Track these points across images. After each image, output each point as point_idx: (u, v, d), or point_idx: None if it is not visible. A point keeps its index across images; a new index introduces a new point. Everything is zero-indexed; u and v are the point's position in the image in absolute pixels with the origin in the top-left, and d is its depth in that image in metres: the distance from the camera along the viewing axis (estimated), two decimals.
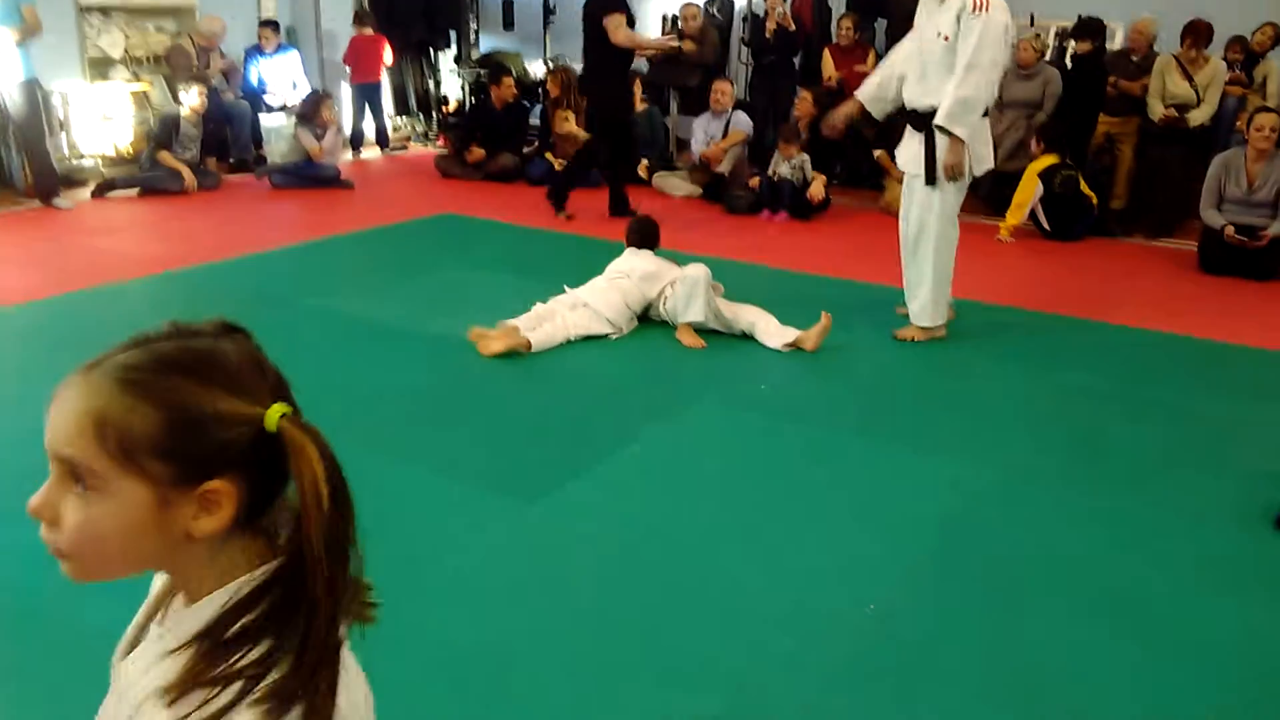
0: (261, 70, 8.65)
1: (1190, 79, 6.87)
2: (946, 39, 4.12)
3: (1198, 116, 6.84)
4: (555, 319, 4.35)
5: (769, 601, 2.51)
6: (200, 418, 0.80)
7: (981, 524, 2.94)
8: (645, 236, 4.75)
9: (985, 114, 4.27)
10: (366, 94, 9.25)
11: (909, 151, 4.42)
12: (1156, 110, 6.90)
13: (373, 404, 3.67)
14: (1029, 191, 6.48)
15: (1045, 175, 6.45)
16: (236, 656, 0.79)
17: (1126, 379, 4.17)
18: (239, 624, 0.80)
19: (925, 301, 4.47)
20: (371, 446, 3.28)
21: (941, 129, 4.16)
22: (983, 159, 4.32)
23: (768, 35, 8.55)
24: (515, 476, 3.16)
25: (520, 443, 3.41)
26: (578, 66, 9.38)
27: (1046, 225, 6.56)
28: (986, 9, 4.03)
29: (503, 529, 2.85)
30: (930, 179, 4.30)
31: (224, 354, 0.84)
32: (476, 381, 3.94)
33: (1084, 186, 6.58)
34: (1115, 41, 7.57)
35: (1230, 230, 5.68)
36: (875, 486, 3.15)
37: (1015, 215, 6.55)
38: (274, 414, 0.82)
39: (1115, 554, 2.79)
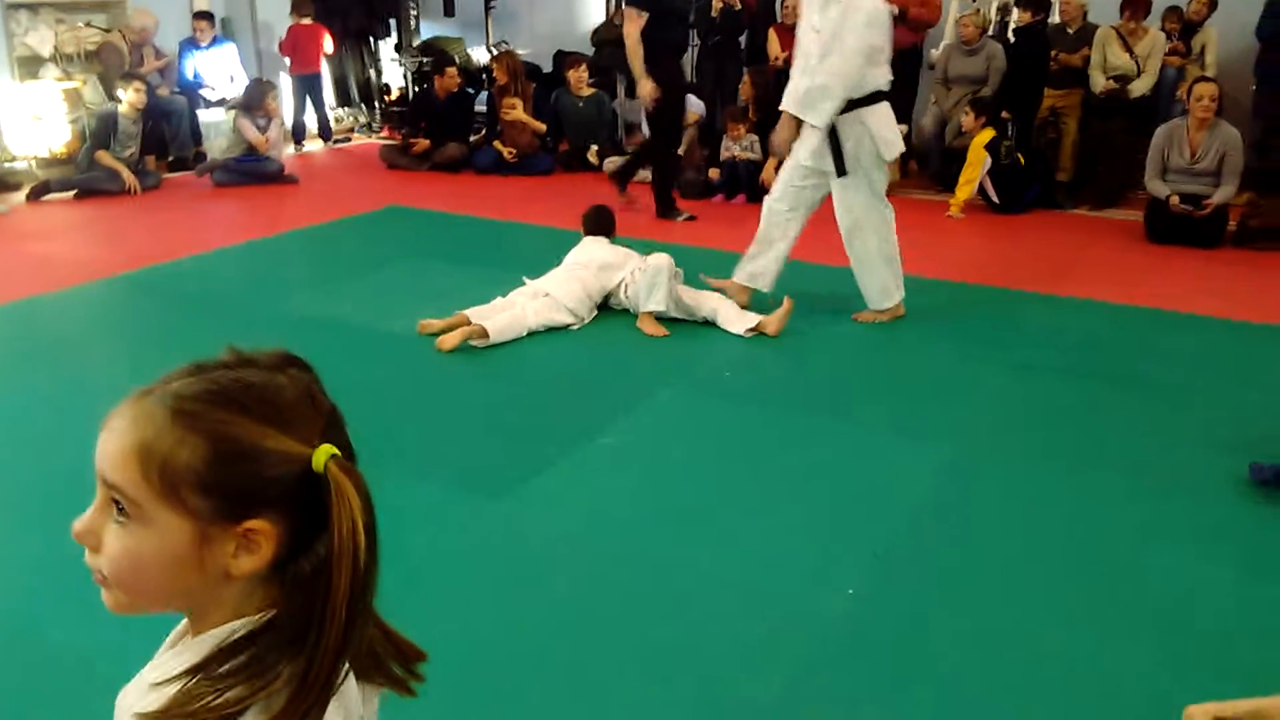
0: (197, 64, 8.45)
1: (1130, 50, 6.95)
2: (817, 32, 4.13)
3: (1139, 87, 6.93)
4: (514, 309, 4.30)
5: (742, 590, 2.51)
6: (247, 453, 0.78)
7: (953, 504, 2.96)
8: (601, 224, 4.71)
9: (881, 98, 4.20)
10: (306, 85, 9.07)
11: (808, 147, 4.33)
12: (1098, 82, 6.99)
13: (340, 403, 3.59)
14: (977, 166, 6.54)
15: (990, 148, 6.51)
16: (218, 695, 0.76)
17: (1081, 351, 4.23)
18: (229, 664, 0.78)
19: (878, 286, 4.47)
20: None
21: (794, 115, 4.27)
22: (890, 142, 4.25)
23: (713, 15, 8.51)
24: (479, 473, 3.12)
25: (483, 438, 3.37)
26: (522, 52, 9.32)
27: (995, 198, 6.63)
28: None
29: (467, 527, 2.82)
30: (840, 170, 4.27)
31: (278, 388, 0.83)
32: (435, 377, 3.89)
33: (1019, 158, 6.69)
34: (1055, 15, 7.63)
35: (1175, 200, 5.77)
36: (843, 470, 3.16)
37: (965, 190, 6.60)
38: (321, 455, 0.81)
39: (1089, 530, 2.82)
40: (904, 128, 7.30)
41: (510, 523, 2.85)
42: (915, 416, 3.55)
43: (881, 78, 4.20)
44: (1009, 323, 4.58)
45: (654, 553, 2.69)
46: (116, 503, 0.79)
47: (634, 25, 5.97)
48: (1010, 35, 7.63)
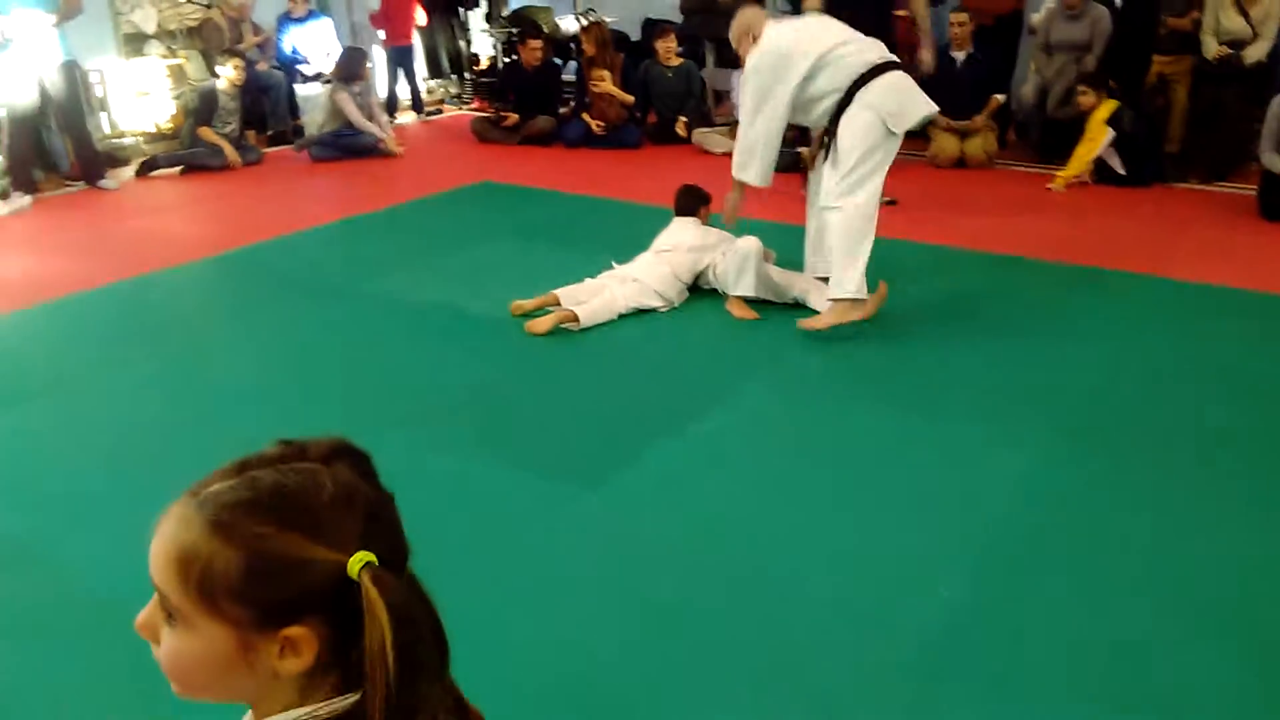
0: (294, 39, 8.61)
1: (1245, 13, 6.61)
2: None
3: (1254, 53, 6.59)
4: (604, 293, 4.33)
5: (834, 595, 2.51)
6: (281, 565, 0.79)
7: (1053, 507, 2.90)
8: (691, 205, 4.70)
9: (880, 73, 4.02)
10: (399, 57, 9.18)
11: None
12: (1210, 48, 6.67)
13: (424, 392, 3.69)
14: (1097, 142, 6.26)
15: (1113, 120, 6.26)
16: None
17: (1186, 340, 4.09)
18: None
19: (848, 274, 4.13)
20: (427, 436, 3.31)
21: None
22: (897, 113, 4.01)
23: None
24: (573, 463, 3.17)
25: (575, 425, 3.42)
26: (610, 20, 9.28)
27: (1122, 170, 6.38)
28: (751, 48, 4.18)
29: (565, 517, 2.87)
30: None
31: (318, 490, 0.82)
32: (526, 363, 3.94)
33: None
34: None
35: None
36: (935, 470, 3.12)
37: (1076, 166, 6.37)
38: (355, 564, 0.80)
39: (1193, 542, 2.74)
40: (1002, 97, 7.13)
41: (604, 516, 2.88)
42: (1012, 410, 3.48)
43: (857, 65, 4.04)
44: (1110, 307, 4.44)
45: (743, 551, 2.70)
46: (165, 609, 0.82)
47: None
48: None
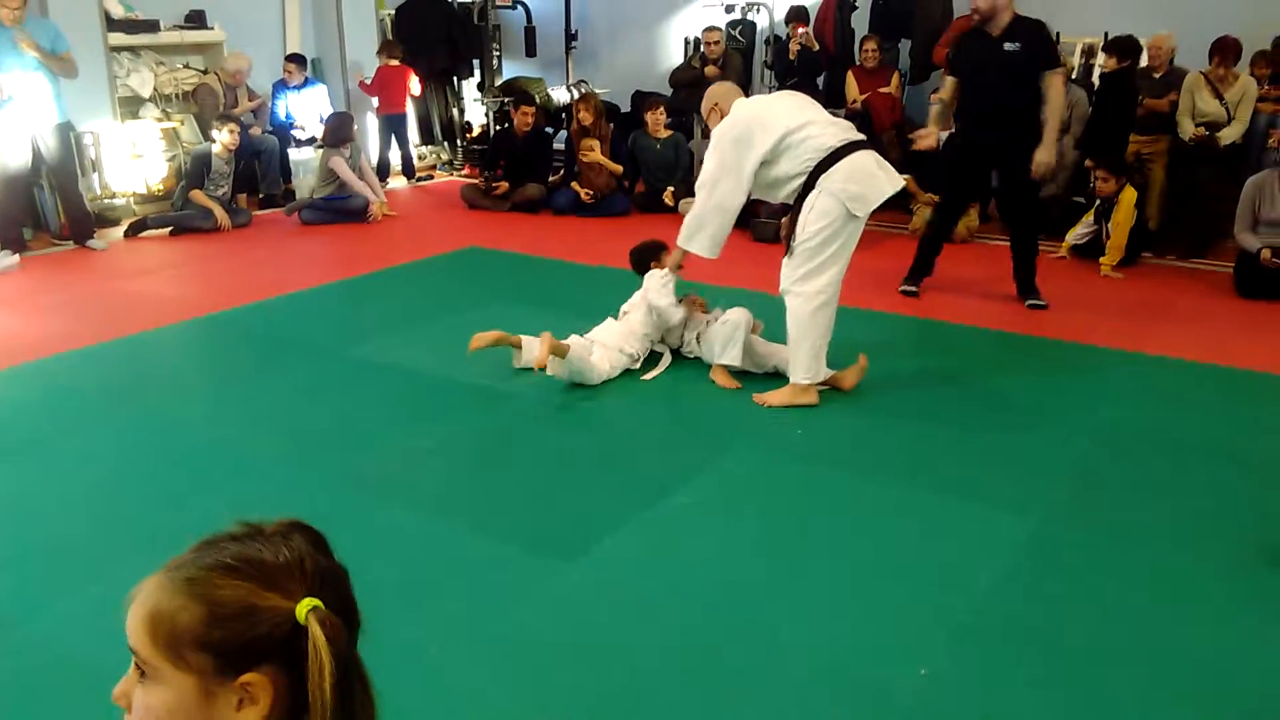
0: (289, 104, 8.73)
1: (1220, 97, 6.81)
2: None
3: (1229, 135, 6.77)
4: (590, 345, 4.39)
5: (816, 667, 2.49)
6: (237, 612, 0.88)
7: (1032, 580, 2.90)
8: (643, 261, 4.77)
9: (842, 155, 3.94)
10: (392, 124, 9.31)
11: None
12: (1187, 129, 6.84)
13: (407, 457, 3.68)
14: (1127, 227, 6.26)
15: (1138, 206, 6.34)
16: None
17: (1167, 414, 4.13)
18: None
19: (801, 360, 4.15)
20: (408, 502, 3.30)
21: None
22: (860, 196, 3.94)
23: (791, 58, 8.56)
24: (552, 533, 3.16)
25: (555, 494, 3.41)
26: (601, 91, 9.46)
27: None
28: (710, 139, 4.17)
29: (542, 591, 2.85)
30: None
31: (273, 554, 0.93)
32: (510, 430, 3.95)
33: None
34: (1142, 59, 7.50)
35: (1267, 254, 5.62)
36: (919, 540, 3.12)
37: (1115, 255, 6.30)
38: (303, 608, 0.89)
39: (1172, 615, 2.75)
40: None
41: (582, 588, 2.87)
42: (992, 482, 3.50)
43: (821, 145, 3.98)
44: (1090, 381, 4.49)
45: (726, 624, 2.68)
46: (139, 666, 0.91)
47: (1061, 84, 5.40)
48: (1095, 79, 7.53)
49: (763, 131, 4.02)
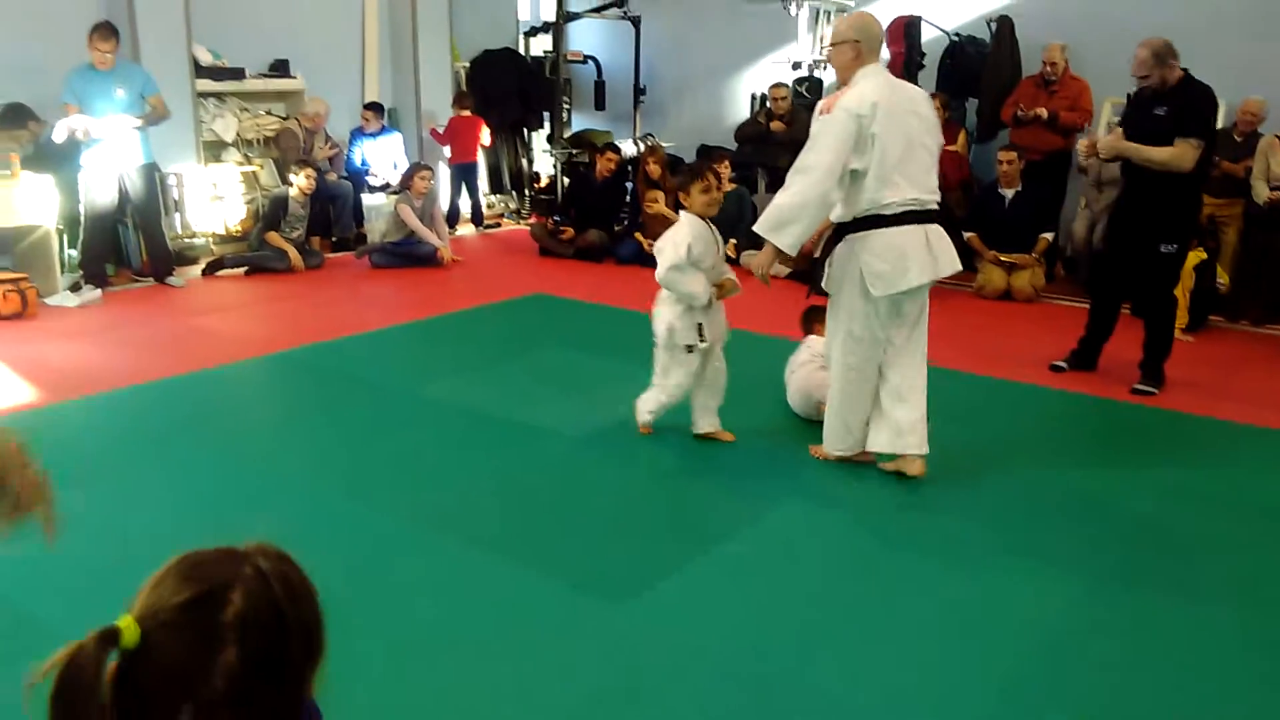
0: (365, 151, 8.98)
1: None
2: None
3: None
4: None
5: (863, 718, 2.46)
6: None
7: (1084, 641, 2.84)
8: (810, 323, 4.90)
9: (883, 223, 3.66)
10: (463, 173, 9.52)
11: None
12: (1261, 193, 6.72)
13: (465, 493, 3.72)
14: (1189, 288, 6.14)
15: (1199, 268, 6.25)
16: None
17: (1235, 479, 4.02)
18: None
19: (828, 425, 4.06)
20: (462, 537, 3.33)
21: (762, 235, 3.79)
22: (883, 276, 3.70)
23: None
24: (601, 574, 3.16)
25: (608, 536, 3.42)
26: (667, 145, 9.58)
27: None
28: (830, 110, 3.67)
29: (586, 632, 2.84)
30: (816, 287, 4.06)
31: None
32: (568, 471, 3.97)
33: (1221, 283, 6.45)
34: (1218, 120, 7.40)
35: None
36: (972, 596, 3.06)
37: (1184, 317, 6.05)
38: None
39: (1227, 685, 2.66)
40: (1050, 235, 7.20)
41: (630, 632, 2.86)
42: (1048, 542, 3.43)
43: (881, 200, 3.67)
44: (1159, 444, 4.40)
45: (772, 675, 2.66)
46: None
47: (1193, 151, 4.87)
48: None
49: (868, 156, 3.63)
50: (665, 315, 4.16)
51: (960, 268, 3.93)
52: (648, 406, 4.26)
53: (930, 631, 2.87)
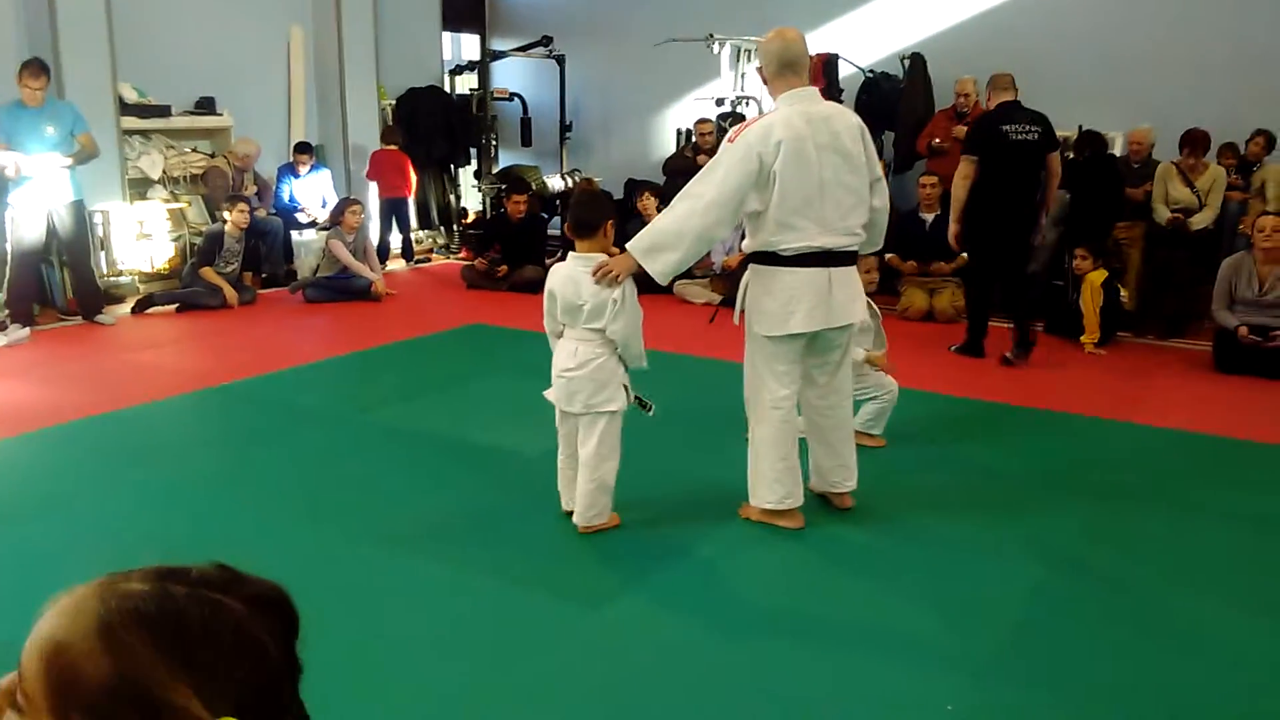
0: (293, 188, 8.97)
1: (1191, 185, 7.15)
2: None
3: (1200, 220, 7.10)
4: None
5: (841, 707, 2.59)
6: (147, 700, 0.72)
7: (1046, 625, 3.03)
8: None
9: (773, 261, 3.47)
10: (393, 208, 9.53)
11: None
12: (1162, 214, 7.17)
13: (428, 514, 3.78)
14: (1096, 305, 6.51)
15: (1105, 285, 6.59)
16: None
17: (1160, 477, 4.30)
18: None
19: (750, 472, 3.71)
20: (432, 555, 3.39)
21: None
22: (769, 315, 3.50)
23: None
24: (577, 581, 3.26)
25: (577, 548, 3.51)
26: (596, 179, 9.76)
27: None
28: (736, 137, 3.44)
29: (568, 637, 2.93)
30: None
31: (218, 632, 0.77)
32: (528, 487, 4.04)
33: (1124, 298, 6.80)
34: (1115, 148, 7.88)
35: (1244, 331, 5.87)
36: (935, 587, 3.24)
37: (1094, 332, 6.53)
38: None
39: (1183, 660, 2.87)
40: (966, 255, 7.53)
41: (607, 635, 2.96)
42: (1003, 537, 3.63)
43: (777, 242, 3.44)
44: (1087, 447, 4.66)
45: (753, 663, 2.78)
46: (18, 692, 0.75)
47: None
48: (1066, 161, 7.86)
49: (776, 179, 3.37)
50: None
51: (862, 318, 3.75)
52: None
53: (896, 623, 3.03)
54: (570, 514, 3.62)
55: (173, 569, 0.80)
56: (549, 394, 3.61)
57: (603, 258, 3.43)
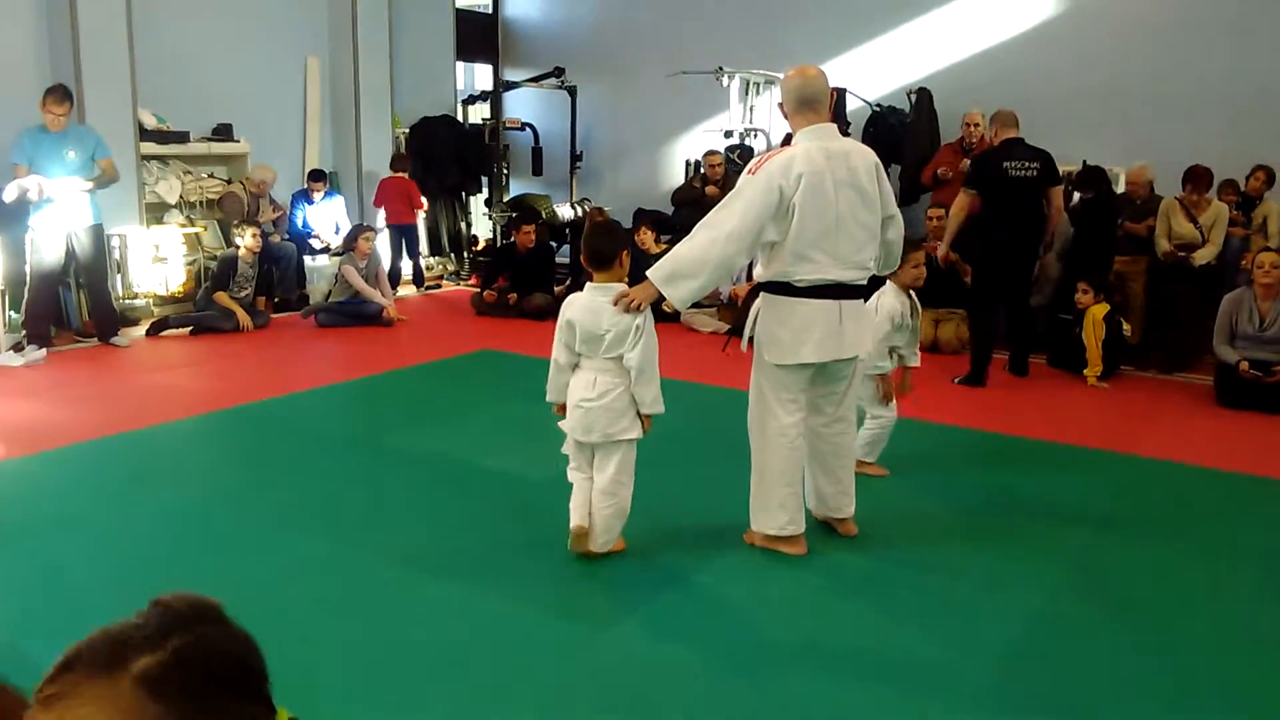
0: (307, 214, 9.10)
1: (1194, 220, 7.24)
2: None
3: (1203, 256, 7.18)
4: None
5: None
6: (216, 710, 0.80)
7: (1043, 654, 3.08)
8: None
9: (787, 291, 3.54)
10: (401, 234, 9.65)
11: None
12: (1163, 247, 7.25)
13: (441, 534, 3.85)
14: (1098, 338, 6.58)
15: (1108, 319, 6.67)
16: None
17: (1160, 510, 4.35)
18: None
19: (752, 497, 3.78)
20: (444, 574, 3.46)
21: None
22: (779, 343, 3.59)
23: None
24: (583, 603, 3.32)
25: (584, 570, 3.57)
26: (606, 209, 9.89)
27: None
28: (756, 170, 3.52)
29: (575, 657, 2.99)
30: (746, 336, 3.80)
31: (245, 654, 0.86)
32: (538, 511, 4.11)
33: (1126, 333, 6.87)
34: (1119, 185, 7.98)
35: (1245, 365, 5.93)
36: (933, 616, 3.30)
37: (1097, 365, 6.60)
38: (282, 716, 0.84)
39: (1179, 688, 2.93)
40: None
41: (613, 655, 3.02)
42: (1003, 568, 3.69)
43: (792, 273, 3.53)
44: (1087, 479, 4.72)
45: (750, 686, 2.84)
46: None
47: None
48: (1074, 203, 7.97)
49: (795, 211, 3.46)
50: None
51: (870, 350, 3.85)
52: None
53: (895, 652, 3.09)
54: (577, 532, 3.62)
55: (151, 627, 0.84)
56: (564, 425, 3.66)
57: (621, 287, 3.49)
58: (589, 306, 3.51)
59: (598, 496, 3.60)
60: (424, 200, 9.87)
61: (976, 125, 8.02)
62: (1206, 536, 4.05)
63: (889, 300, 4.49)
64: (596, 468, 3.62)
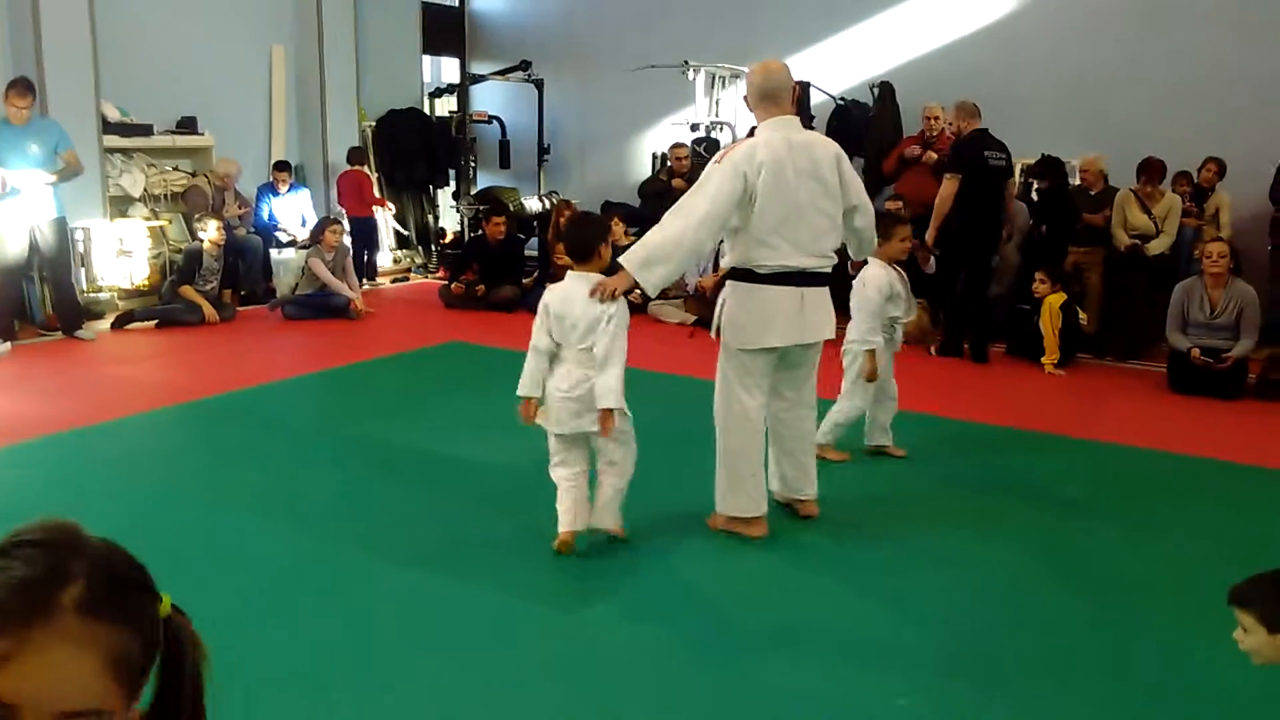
0: (273, 206, 9.07)
1: (1148, 211, 7.39)
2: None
3: (1157, 246, 7.33)
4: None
5: (801, 705, 2.73)
6: (154, 623, 0.88)
7: (993, 626, 3.18)
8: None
9: (750, 278, 3.66)
10: (357, 226, 9.58)
11: None
12: (1121, 240, 7.40)
13: (406, 521, 3.89)
14: (1055, 327, 6.71)
15: (1064, 308, 6.81)
16: None
17: (1115, 492, 4.48)
18: None
19: (717, 482, 3.87)
20: (409, 561, 3.51)
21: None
22: (744, 329, 3.70)
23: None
24: (551, 589, 3.38)
25: (550, 554, 3.63)
26: (573, 201, 9.93)
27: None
28: (723, 159, 3.64)
29: (545, 641, 3.06)
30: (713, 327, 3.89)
31: (125, 553, 0.93)
32: (501, 498, 4.17)
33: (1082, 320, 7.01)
34: (1075, 178, 8.12)
35: (1196, 353, 6.09)
36: (889, 592, 3.39)
37: (1054, 353, 6.75)
38: (166, 602, 0.90)
39: (1134, 657, 3.03)
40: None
41: (577, 637, 3.09)
42: (963, 548, 3.79)
43: (754, 259, 3.65)
44: (1046, 463, 4.84)
45: (715, 663, 2.91)
46: None
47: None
48: (1034, 195, 8.12)
49: (757, 197, 3.56)
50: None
51: (833, 335, 3.86)
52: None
53: (852, 624, 3.18)
54: (565, 539, 3.58)
55: (60, 559, 0.88)
56: (543, 421, 3.65)
57: (600, 276, 3.56)
58: (566, 295, 3.57)
59: (609, 476, 3.64)
60: (378, 195, 9.85)
61: (936, 118, 8.14)
62: (1161, 515, 4.19)
63: (875, 272, 4.57)
64: (601, 450, 3.65)
